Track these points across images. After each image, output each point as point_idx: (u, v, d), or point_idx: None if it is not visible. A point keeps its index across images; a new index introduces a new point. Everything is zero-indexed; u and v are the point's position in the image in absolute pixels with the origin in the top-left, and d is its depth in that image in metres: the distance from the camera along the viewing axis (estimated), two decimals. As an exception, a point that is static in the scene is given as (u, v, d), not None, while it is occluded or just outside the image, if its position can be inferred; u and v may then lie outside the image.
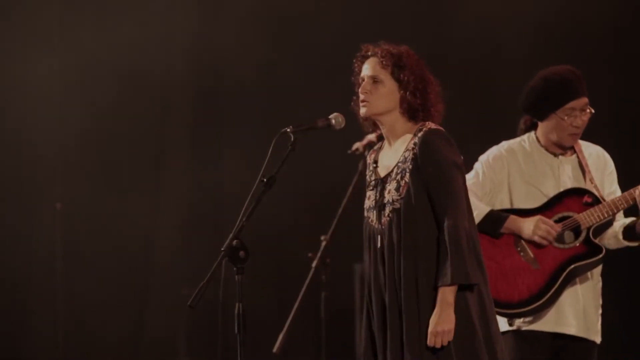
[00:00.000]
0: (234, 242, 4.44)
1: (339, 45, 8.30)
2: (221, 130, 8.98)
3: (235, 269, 4.45)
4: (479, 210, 5.61)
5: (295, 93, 8.78)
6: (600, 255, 5.60)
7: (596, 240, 5.62)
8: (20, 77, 8.64)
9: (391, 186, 4.66)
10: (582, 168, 5.65)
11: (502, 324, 5.57)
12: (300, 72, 8.82)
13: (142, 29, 8.73)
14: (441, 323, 4.52)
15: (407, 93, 4.65)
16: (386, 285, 4.65)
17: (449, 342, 4.53)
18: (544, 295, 5.64)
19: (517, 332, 5.65)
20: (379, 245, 4.68)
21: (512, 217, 5.66)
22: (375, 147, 4.88)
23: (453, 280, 4.50)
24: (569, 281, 5.62)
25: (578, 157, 5.66)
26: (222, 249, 4.44)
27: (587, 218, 5.61)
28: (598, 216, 5.59)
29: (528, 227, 5.64)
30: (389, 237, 4.64)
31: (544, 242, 5.64)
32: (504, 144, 5.74)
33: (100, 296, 8.61)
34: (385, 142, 4.80)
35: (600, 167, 5.66)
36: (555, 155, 5.69)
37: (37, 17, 8.69)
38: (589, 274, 5.63)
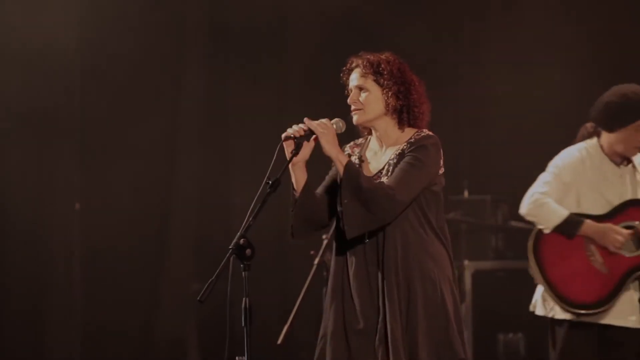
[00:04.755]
0: (241, 241, 4.41)
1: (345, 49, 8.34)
2: (229, 133, 8.95)
3: (242, 265, 4.43)
4: (559, 213, 5.72)
5: (299, 95, 8.78)
6: None
7: None
8: (40, 78, 8.57)
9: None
10: (637, 178, 5.68)
11: (559, 312, 5.74)
12: (304, 74, 8.82)
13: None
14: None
15: (390, 96, 4.62)
16: (375, 273, 4.59)
17: (430, 330, 4.50)
18: (612, 299, 5.69)
19: (571, 322, 5.72)
20: (366, 239, 4.60)
21: (588, 222, 5.72)
22: (358, 142, 4.82)
23: (350, 201, 4.45)
24: (628, 289, 5.69)
25: (633, 166, 5.71)
26: (230, 247, 4.41)
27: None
28: None
29: (604, 234, 5.69)
30: (374, 230, 4.57)
31: (616, 251, 5.67)
32: (574, 151, 5.78)
33: (115, 291, 8.59)
34: (376, 143, 4.75)
35: None
36: (617, 164, 5.71)
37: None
38: None
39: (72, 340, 8.63)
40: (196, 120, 8.92)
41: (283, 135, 4.57)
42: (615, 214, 5.70)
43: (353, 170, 4.49)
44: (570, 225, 5.71)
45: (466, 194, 8.45)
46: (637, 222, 5.67)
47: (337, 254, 4.69)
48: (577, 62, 8.36)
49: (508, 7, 8.67)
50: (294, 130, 4.58)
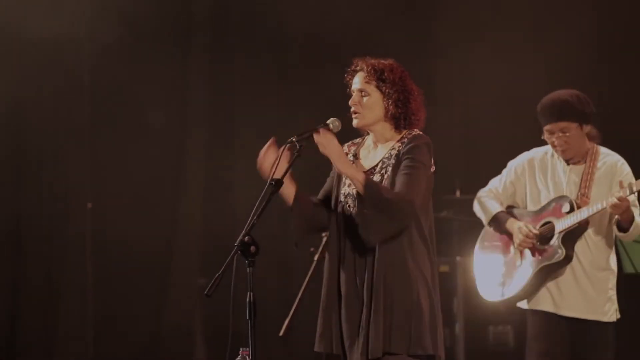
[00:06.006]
0: (246, 238, 4.45)
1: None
2: (233, 135, 8.95)
3: (246, 262, 4.47)
4: (491, 210, 5.91)
5: (301, 95, 8.78)
6: (557, 258, 5.67)
7: (559, 244, 5.69)
8: (53, 78, 8.60)
9: (374, 178, 4.64)
10: (583, 177, 5.70)
11: (524, 302, 5.85)
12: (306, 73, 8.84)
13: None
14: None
15: (390, 103, 4.66)
16: (364, 263, 4.64)
17: (402, 321, 4.54)
18: (516, 290, 5.82)
19: (532, 311, 5.82)
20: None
21: (511, 219, 5.87)
22: (356, 141, 4.86)
23: (369, 186, 4.48)
24: (541, 279, 5.74)
25: (586, 166, 5.73)
26: (235, 244, 4.44)
27: (560, 224, 5.69)
28: (567, 223, 5.68)
29: (513, 232, 5.85)
30: None
31: (521, 248, 5.74)
32: (530, 153, 5.91)
33: (126, 286, 8.63)
34: (370, 142, 4.80)
35: (609, 176, 5.72)
36: (567, 164, 5.77)
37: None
38: (589, 262, 5.72)
39: (85, 330, 8.69)
40: (201, 120, 8.93)
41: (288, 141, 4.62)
42: (544, 210, 5.79)
43: (373, 185, 4.55)
44: (498, 222, 5.88)
45: (458, 193, 8.48)
46: (555, 219, 5.74)
47: (330, 250, 4.76)
48: (569, 63, 8.26)
49: (497, 6, 8.65)
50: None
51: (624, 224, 5.58)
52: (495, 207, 5.91)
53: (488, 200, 5.95)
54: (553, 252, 5.72)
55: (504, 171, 5.98)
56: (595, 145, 5.78)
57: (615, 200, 5.51)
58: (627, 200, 5.52)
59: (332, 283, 4.75)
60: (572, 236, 5.69)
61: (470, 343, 8.09)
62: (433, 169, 4.67)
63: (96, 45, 8.64)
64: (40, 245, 8.60)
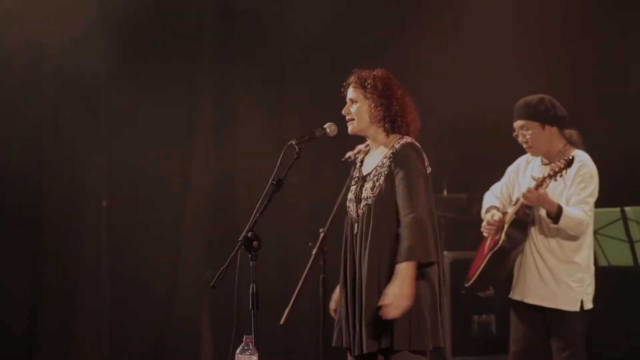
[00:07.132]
0: (249, 234, 4.56)
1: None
2: (238, 136, 8.99)
3: (249, 255, 4.57)
4: (486, 204, 6.05)
5: (300, 101, 8.83)
6: (497, 247, 5.81)
7: (502, 234, 5.84)
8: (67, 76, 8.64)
9: (368, 185, 4.76)
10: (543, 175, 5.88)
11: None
12: (304, 78, 8.87)
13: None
14: (399, 299, 4.52)
15: (373, 107, 4.77)
16: (359, 263, 4.74)
17: (402, 319, 4.57)
18: (473, 277, 5.94)
19: (510, 299, 5.93)
20: (355, 231, 4.78)
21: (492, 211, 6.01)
22: (365, 149, 5.03)
23: (411, 256, 4.53)
24: (495, 265, 5.88)
25: (550, 165, 5.81)
26: (239, 240, 4.57)
27: (506, 217, 5.85)
28: (508, 215, 5.85)
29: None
30: (361, 226, 4.73)
31: (484, 234, 5.98)
32: (523, 157, 6.02)
33: (137, 279, 8.66)
34: (371, 148, 4.95)
35: (570, 175, 5.78)
36: (543, 164, 5.91)
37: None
38: (548, 252, 5.80)
39: (100, 319, 8.71)
40: (207, 122, 8.93)
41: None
42: (513, 205, 5.94)
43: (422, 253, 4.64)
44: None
45: (445, 192, 8.56)
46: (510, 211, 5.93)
47: (343, 249, 4.89)
48: (556, 63, 8.26)
49: (484, 6, 8.64)
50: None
51: (550, 215, 5.66)
52: (490, 202, 6.06)
53: (487, 198, 6.13)
54: (497, 241, 5.88)
55: (505, 175, 6.14)
56: (570, 147, 5.82)
57: (524, 191, 5.69)
58: (536, 192, 5.62)
59: (342, 280, 4.84)
60: (517, 227, 5.83)
61: (456, 332, 8.17)
62: (429, 169, 4.73)
63: (109, 49, 8.66)
64: (57, 243, 8.61)
